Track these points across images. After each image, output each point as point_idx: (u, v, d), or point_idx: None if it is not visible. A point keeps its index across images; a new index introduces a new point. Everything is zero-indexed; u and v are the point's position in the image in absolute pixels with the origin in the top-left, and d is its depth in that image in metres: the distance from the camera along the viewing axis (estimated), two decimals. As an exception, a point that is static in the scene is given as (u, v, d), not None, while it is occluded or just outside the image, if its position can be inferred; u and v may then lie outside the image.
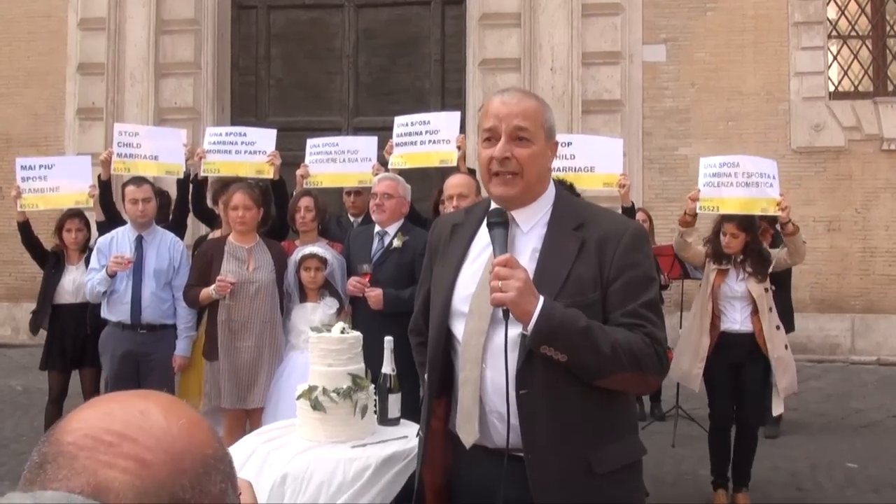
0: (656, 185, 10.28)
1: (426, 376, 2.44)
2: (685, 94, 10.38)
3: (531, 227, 2.30)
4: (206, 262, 5.43)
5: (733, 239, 5.52)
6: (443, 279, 2.38)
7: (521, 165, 2.24)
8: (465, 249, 2.37)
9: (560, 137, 6.19)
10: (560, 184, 4.62)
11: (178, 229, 6.32)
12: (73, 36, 10.96)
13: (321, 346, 3.89)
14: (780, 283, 6.48)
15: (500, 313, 2.11)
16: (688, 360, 5.53)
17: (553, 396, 2.14)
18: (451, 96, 10.71)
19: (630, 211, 5.85)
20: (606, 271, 2.20)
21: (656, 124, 10.37)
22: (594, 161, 5.81)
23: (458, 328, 2.29)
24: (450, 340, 2.33)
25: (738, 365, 5.50)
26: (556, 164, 5.89)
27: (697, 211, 5.65)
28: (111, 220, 6.22)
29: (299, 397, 3.86)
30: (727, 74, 10.30)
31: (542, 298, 2.08)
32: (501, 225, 2.20)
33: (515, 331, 2.13)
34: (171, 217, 6.59)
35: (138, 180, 5.83)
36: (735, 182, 5.66)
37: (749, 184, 5.64)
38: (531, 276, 2.13)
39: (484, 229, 2.30)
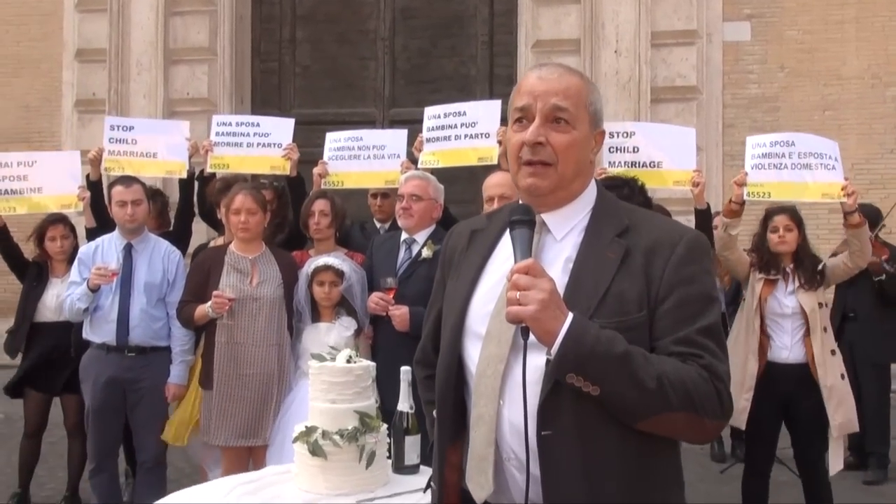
0: (740, 186, 10.01)
1: (435, 414, 2.34)
2: (773, 79, 10.25)
3: (566, 233, 2.19)
4: (203, 274, 5.37)
5: (787, 233, 5.32)
6: (456, 294, 2.28)
7: (557, 154, 2.14)
8: (484, 259, 2.28)
9: (620, 126, 6.17)
10: (626, 184, 4.45)
11: (181, 238, 6.30)
12: (69, 18, 11.05)
13: (322, 378, 3.69)
14: (888, 298, 6.22)
15: (520, 334, 1.99)
16: (732, 390, 5.25)
17: (583, 439, 2.02)
18: (500, 84, 10.65)
19: (705, 214, 5.69)
20: (655, 288, 2.08)
21: (739, 114, 10.25)
22: (662, 155, 5.72)
23: (473, 354, 2.19)
24: (462, 369, 2.23)
25: (788, 398, 5.31)
26: (615, 157, 5.88)
27: (745, 198, 5.48)
28: (103, 226, 6.16)
29: (296, 440, 3.65)
30: (824, 55, 10.15)
31: (570, 315, 1.97)
32: (525, 224, 2.09)
33: (538, 358, 1.99)
34: (173, 223, 6.56)
35: (127, 180, 5.76)
36: (789, 164, 5.53)
37: (806, 166, 5.50)
38: (561, 290, 2.02)
39: (508, 237, 2.17)
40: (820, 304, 5.33)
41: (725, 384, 2.06)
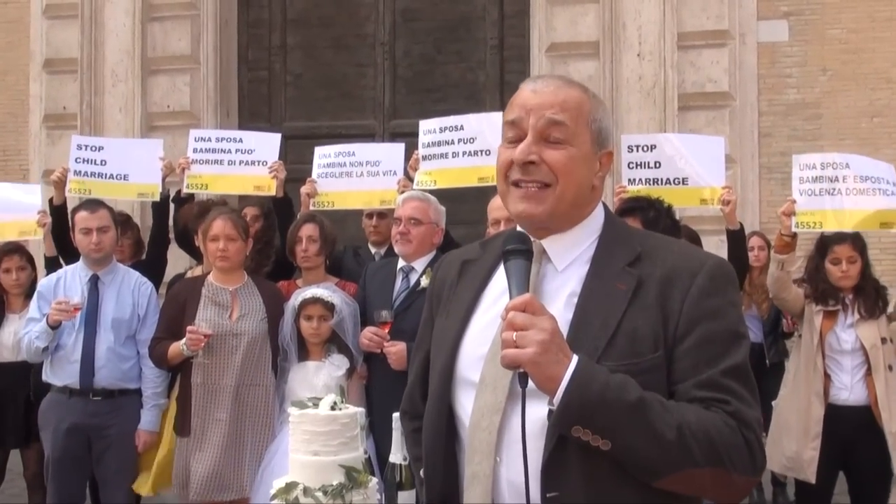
0: (777, 201, 9.85)
1: (422, 474, 2.33)
2: (814, 83, 10.16)
3: (569, 263, 2.17)
4: (178, 307, 5.42)
5: (851, 265, 5.29)
6: (445, 335, 2.26)
7: (555, 174, 2.10)
8: (477, 294, 2.25)
9: (639, 139, 6.12)
10: (651, 206, 4.38)
11: (155, 267, 6.33)
12: (37, 25, 11.02)
13: (304, 428, 3.57)
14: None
15: (517, 381, 1.96)
16: (795, 441, 5.25)
17: (594, 501, 1.99)
18: (511, 92, 10.15)
19: (738, 236, 5.68)
20: (673, 324, 2.05)
21: (777, 122, 10.17)
22: (687, 169, 5.72)
23: (465, 404, 2.16)
24: (453, 421, 2.21)
25: (848, 443, 5.25)
26: (635, 173, 5.83)
27: (794, 229, 5.44)
28: (67, 256, 6.18)
29: (274, 496, 3.54)
30: (871, 56, 10.05)
31: (575, 358, 1.94)
32: (521, 254, 2.06)
33: (540, 408, 1.96)
34: (146, 251, 6.59)
35: (92, 204, 5.78)
36: (843, 189, 5.47)
37: (863, 191, 5.46)
38: (564, 329, 1.99)
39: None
40: (883, 340, 5.28)
41: (756, 434, 2.01)
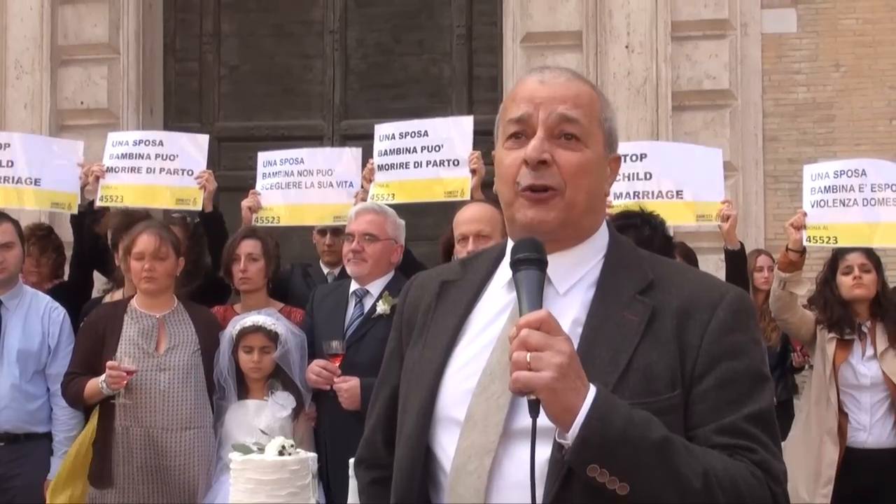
0: (785, 214, 9.88)
1: None
2: (826, 81, 10.22)
3: (571, 286, 2.19)
4: (95, 337, 5.40)
5: (865, 274, 5.36)
6: (423, 368, 2.24)
7: (564, 178, 2.12)
8: (461, 320, 2.24)
9: (628, 147, 6.22)
10: (646, 222, 4.46)
11: (79, 291, 6.32)
12: (-73, 10, 10.90)
13: (248, 476, 3.72)
14: None
15: (518, 417, 1.99)
16: (804, 486, 5.32)
17: None
18: (481, 88, 10.65)
19: (737, 257, 5.77)
20: (691, 361, 2.07)
21: (784, 125, 10.23)
22: (682, 182, 5.79)
23: (447, 445, 2.14)
24: (430, 467, 2.18)
25: (869, 492, 5.35)
26: (623, 186, 5.92)
27: (805, 244, 5.52)
28: None
29: (212, 556, 3.62)
30: (890, 50, 10.14)
31: (593, 388, 1.93)
32: (535, 264, 2.05)
33: (540, 449, 1.94)
34: (68, 272, 6.58)
35: None
36: (860, 199, 5.60)
37: (882, 201, 5.56)
38: None
39: (494, 290, 2.23)
40: None
41: (784, 488, 2.05)
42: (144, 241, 5.29)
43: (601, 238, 2.23)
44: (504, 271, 2.20)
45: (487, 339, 2.15)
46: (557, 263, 2.15)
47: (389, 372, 2.43)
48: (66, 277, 6.63)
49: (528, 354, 1.88)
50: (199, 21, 11.19)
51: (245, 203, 6.40)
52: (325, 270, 6.53)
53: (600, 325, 2.10)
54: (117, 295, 5.98)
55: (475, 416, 2.09)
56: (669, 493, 1.93)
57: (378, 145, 6.35)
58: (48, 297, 5.79)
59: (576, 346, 2.03)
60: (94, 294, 6.62)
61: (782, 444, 5.60)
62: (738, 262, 5.67)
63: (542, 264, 2.05)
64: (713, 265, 6.63)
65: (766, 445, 2.04)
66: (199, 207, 6.29)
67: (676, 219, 5.70)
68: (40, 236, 6.62)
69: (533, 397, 1.89)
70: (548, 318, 1.93)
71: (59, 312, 5.74)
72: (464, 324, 2.23)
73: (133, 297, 5.46)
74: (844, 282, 5.41)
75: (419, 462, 2.17)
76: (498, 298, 2.19)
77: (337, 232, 6.44)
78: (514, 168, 2.14)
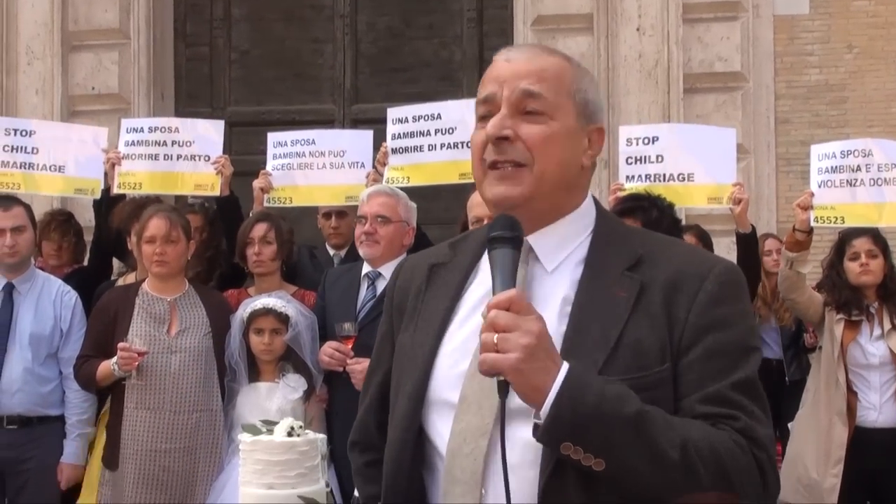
0: (796, 197, 9.73)
1: None
2: (839, 62, 10.19)
3: (559, 264, 2.19)
4: (107, 321, 5.41)
5: (871, 260, 5.41)
6: (415, 352, 2.25)
7: (531, 151, 2.12)
8: (453, 302, 2.25)
9: (639, 130, 6.19)
10: (653, 205, 4.45)
11: (99, 276, 6.33)
12: (-65, -5, 10.93)
13: (256, 457, 3.61)
14: None
15: (512, 398, 1.95)
16: (813, 466, 5.32)
17: None
18: None
19: (749, 240, 5.75)
20: (678, 333, 2.08)
21: (796, 107, 10.19)
22: (693, 164, 5.77)
23: (441, 428, 2.16)
24: (423, 450, 2.20)
25: (878, 472, 5.36)
26: (634, 169, 5.91)
27: (812, 224, 5.53)
28: None
29: (223, 537, 3.61)
30: None
31: (565, 365, 1.94)
32: (509, 242, 2.04)
33: (523, 427, 1.97)
34: (87, 257, 6.60)
35: (6, 200, 5.79)
36: (867, 179, 5.61)
37: (889, 180, 5.58)
38: (558, 340, 2.01)
39: (483, 271, 2.20)
40: None
41: (769, 453, 2.05)
42: (155, 225, 5.30)
43: (587, 214, 2.24)
44: None
45: (478, 321, 2.07)
46: (543, 241, 2.18)
47: (381, 356, 2.44)
48: (86, 262, 6.64)
49: (496, 336, 1.89)
50: (209, 5, 11.21)
51: (256, 184, 6.40)
52: (331, 252, 6.51)
53: (589, 302, 2.11)
54: (130, 278, 6.00)
55: (469, 399, 2.10)
56: (647, 466, 1.94)
57: (391, 129, 6.34)
58: (60, 281, 5.80)
59: (566, 324, 2.08)
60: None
61: (790, 424, 5.60)
62: (749, 245, 5.66)
63: (516, 242, 2.04)
64: (725, 248, 6.61)
65: (750, 412, 2.04)
66: (217, 193, 6.31)
67: (688, 202, 5.73)
68: (61, 221, 6.64)
69: (501, 378, 1.90)
70: (517, 297, 1.94)
71: (71, 296, 5.75)
72: (455, 306, 2.24)
73: (144, 280, 5.47)
74: (851, 268, 5.43)
75: (409, 444, 2.18)
76: (488, 279, 2.15)
77: (342, 214, 6.44)
78: (481, 146, 2.16)
